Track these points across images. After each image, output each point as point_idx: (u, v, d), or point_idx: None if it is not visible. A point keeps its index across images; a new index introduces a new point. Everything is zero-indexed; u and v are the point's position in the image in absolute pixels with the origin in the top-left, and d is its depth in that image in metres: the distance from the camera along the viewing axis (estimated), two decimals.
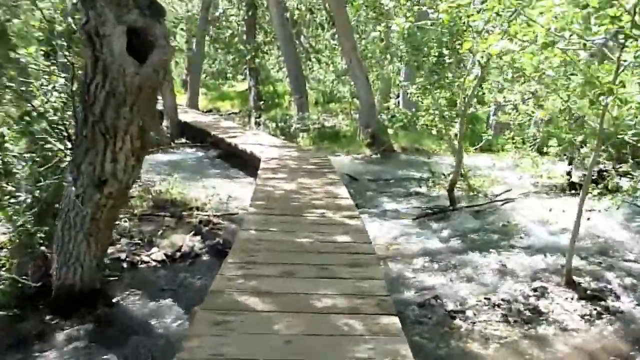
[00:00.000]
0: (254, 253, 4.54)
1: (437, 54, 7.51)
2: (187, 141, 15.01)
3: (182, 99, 22.70)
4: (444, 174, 9.52)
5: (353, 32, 13.23)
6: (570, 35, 3.63)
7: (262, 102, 16.86)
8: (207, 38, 26.62)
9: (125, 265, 6.32)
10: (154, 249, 6.70)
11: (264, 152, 10.25)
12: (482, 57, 6.17)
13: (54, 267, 5.14)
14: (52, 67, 4.51)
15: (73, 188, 4.40)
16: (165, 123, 15.10)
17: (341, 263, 4.35)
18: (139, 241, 6.96)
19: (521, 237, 6.84)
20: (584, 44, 3.80)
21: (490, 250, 6.40)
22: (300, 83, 15.93)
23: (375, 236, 6.88)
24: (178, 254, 6.65)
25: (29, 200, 5.37)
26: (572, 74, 4.09)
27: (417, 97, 7.85)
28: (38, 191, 5.38)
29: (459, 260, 6.18)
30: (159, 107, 15.93)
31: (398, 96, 16.84)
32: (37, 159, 5.30)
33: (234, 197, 9.01)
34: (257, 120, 16.22)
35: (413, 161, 12.62)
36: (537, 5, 3.54)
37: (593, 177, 8.42)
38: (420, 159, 12.80)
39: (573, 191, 8.93)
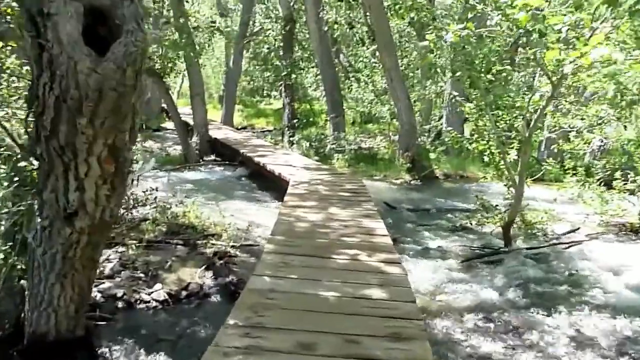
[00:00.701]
0: (263, 312, 3.47)
1: (495, 70, 6.37)
2: (217, 158, 14.17)
3: (218, 114, 22.12)
4: (495, 207, 8.26)
5: (395, 49, 12.20)
6: None
7: (296, 121, 15.90)
8: (245, 54, 26.06)
9: (120, 304, 5.34)
10: (157, 286, 5.70)
11: (294, 175, 9.22)
12: (554, 72, 5.01)
13: (25, 309, 4.20)
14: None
15: (38, 219, 3.44)
16: (194, 139, 14.29)
17: (377, 334, 3.24)
18: (143, 274, 5.98)
19: (595, 292, 5.56)
20: None
21: (559, 307, 5.16)
22: (337, 101, 14.93)
23: (417, 282, 5.72)
24: (184, 293, 5.63)
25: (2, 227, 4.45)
26: None
27: (472, 117, 6.69)
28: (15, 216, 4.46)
29: (521, 319, 4.97)
30: (189, 121, 15.19)
31: (441, 118, 15.67)
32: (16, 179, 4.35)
33: (257, 224, 8.01)
34: (291, 139, 15.26)
35: (457, 189, 11.40)
36: None
37: None
38: (465, 187, 11.58)
39: None
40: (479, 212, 7.99)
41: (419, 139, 13.15)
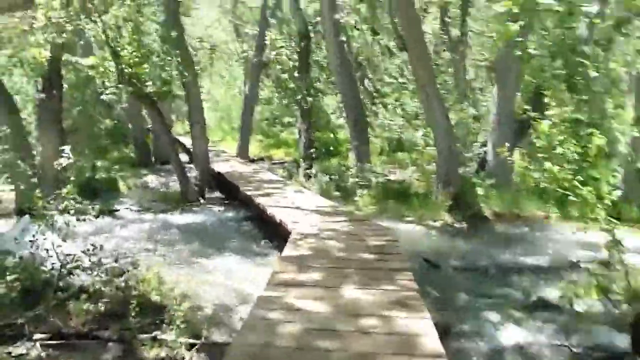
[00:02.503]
0: None
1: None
2: (221, 195, 11.75)
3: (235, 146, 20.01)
4: (578, 266, 5.53)
5: (430, 59, 9.65)
6: None
7: (313, 150, 13.36)
8: (268, 82, 23.85)
9: None
10: None
11: (299, 222, 6.66)
12: None
13: None
14: None
15: None
16: (194, 173, 11.86)
17: None
18: None
19: None
20: None
21: None
22: (360, 127, 12.38)
23: None
24: None
25: None
26: None
27: (562, 136, 4.06)
28: None
29: None
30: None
31: (484, 145, 12.93)
32: None
33: (244, 297, 5.44)
34: (307, 171, 12.71)
35: (517, 235, 8.64)
36: None
37: None
38: (526, 232, 8.82)
39: None
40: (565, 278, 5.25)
41: (462, 169, 10.47)
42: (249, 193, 9.20)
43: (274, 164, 18.59)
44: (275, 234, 7.82)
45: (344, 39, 11.29)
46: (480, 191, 9.83)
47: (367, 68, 20.01)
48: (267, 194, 8.94)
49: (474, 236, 8.56)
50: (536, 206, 9.94)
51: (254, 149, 21.10)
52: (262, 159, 19.99)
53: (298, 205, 7.85)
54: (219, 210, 10.29)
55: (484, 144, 12.93)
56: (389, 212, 10.19)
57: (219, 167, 12.89)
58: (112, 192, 13.03)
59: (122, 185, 13.81)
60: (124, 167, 16.87)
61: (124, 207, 10.99)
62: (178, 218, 9.74)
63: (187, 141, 23.49)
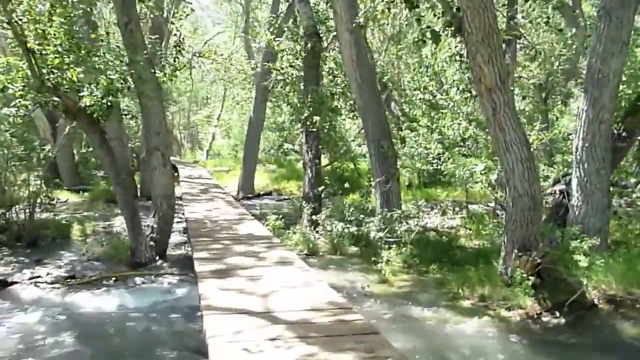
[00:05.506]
0: None
1: None
2: (189, 253, 8.01)
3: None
4: None
5: (502, 45, 5.76)
6: None
7: (322, 188, 9.50)
8: (285, 107, 20.28)
9: None
10: None
11: None
12: None
13: None
14: None
15: None
16: (150, 221, 8.10)
17: None
18: None
19: None
20: None
21: None
22: (385, 157, 8.53)
23: None
24: None
25: None
26: None
27: None
28: None
29: None
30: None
31: (557, 182, 8.90)
32: None
33: None
34: (311, 217, 8.87)
35: None
36: None
37: None
38: None
39: None
40: None
41: (546, 224, 6.49)
42: (200, 267, 5.37)
43: (283, 199, 14.85)
44: None
45: (362, 21, 7.52)
46: (582, 262, 5.83)
47: (394, 89, 16.34)
48: (228, 271, 5.12)
49: (589, 348, 4.61)
50: None
51: (262, 181, 17.45)
52: (269, 193, 16.27)
53: (268, 307, 4.00)
54: (169, 284, 6.49)
55: (558, 181, 8.91)
56: (430, 289, 6.34)
57: (194, 210, 9.17)
58: (60, 241, 9.53)
59: (77, 230, 10.21)
60: (95, 204, 13.40)
61: (44, 271, 7.35)
62: (98, 301, 5.97)
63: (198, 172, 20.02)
